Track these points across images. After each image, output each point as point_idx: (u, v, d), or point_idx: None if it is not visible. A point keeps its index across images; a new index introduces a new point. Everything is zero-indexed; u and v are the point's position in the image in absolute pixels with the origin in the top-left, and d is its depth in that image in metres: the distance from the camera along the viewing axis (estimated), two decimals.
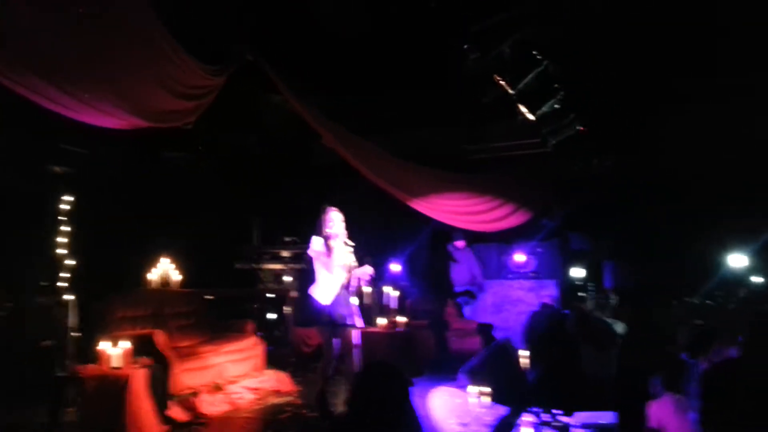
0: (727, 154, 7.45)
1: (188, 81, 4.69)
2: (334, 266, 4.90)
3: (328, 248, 4.90)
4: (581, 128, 6.86)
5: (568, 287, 9.12)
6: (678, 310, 6.85)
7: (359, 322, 5.06)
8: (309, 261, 5.06)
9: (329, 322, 4.85)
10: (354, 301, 5.20)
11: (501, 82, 5.39)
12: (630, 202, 8.73)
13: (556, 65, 5.63)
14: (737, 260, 7.69)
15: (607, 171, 8.23)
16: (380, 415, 2.17)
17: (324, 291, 4.89)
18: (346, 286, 5.00)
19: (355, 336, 5.05)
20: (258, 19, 5.61)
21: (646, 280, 8.71)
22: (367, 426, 2.16)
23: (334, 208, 5.08)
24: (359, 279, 5.13)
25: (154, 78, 4.25)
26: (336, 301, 4.89)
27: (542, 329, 7.80)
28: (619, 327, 5.90)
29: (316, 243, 4.93)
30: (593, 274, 9.29)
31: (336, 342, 4.92)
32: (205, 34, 5.19)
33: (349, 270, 5.00)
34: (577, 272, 8.93)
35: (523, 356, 7.00)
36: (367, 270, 5.07)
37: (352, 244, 5.03)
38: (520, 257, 9.18)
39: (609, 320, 5.82)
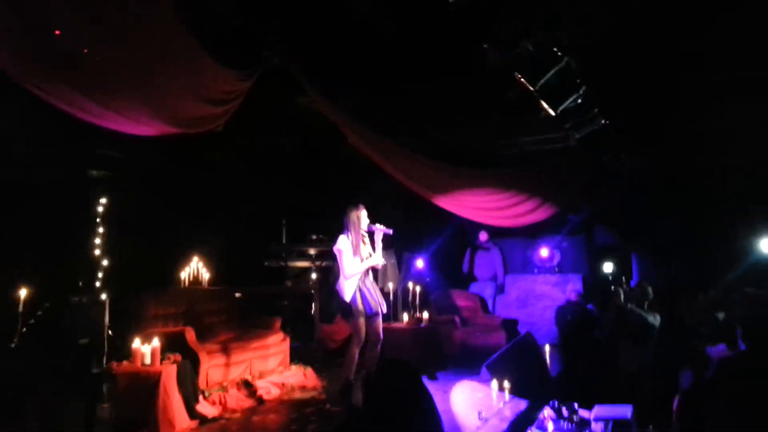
0: (756, 145, 7.33)
1: (216, 87, 4.81)
2: (360, 260, 5.16)
3: (354, 244, 5.17)
4: (605, 122, 6.85)
5: (597, 281, 9.10)
6: (703, 303, 6.81)
7: (383, 309, 5.31)
8: (334, 257, 5.34)
9: (360, 313, 5.12)
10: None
11: (522, 79, 5.41)
12: (658, 195, 8.65)
13: (577, 61, 5.63)
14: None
15: (634, 165, 8.18)
16: (394, 412, 2.26)
17: (349, 286, 5.14)
18: (374, 276, 5.34)
19: (380, 325, 5.30)
20: (285, 19, 5.71)
21: (672, 273, 8.65)
22: (381, 422, 2.25)
23: (362, 206, 5.34)
24: (375, 233, 5.30)
25: (183, 86, 4.38)
26: (366, 292, 5.16)
27: (568, 324, 7.83)
28: (653, 319, 5.93)
29: (342, 242, 5.18)
30: (622, 268, 9.25)
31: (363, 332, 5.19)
32: (231, 39, 5.32)
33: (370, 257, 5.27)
34: (607, 267, 8.90)
35: (546, 351, 7.06)
36: (380, 227, 5.30)
37: (388, 230, 5.33)
38: (544, 252, 9.17)
39: (643, 313, 5.84)
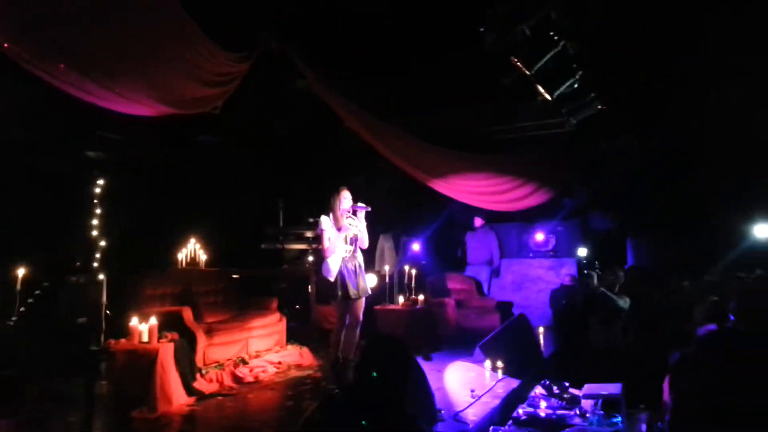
0: (753, 127, 7.35)
1: (213, 68, 4.82)
2: (341, 240, 5.13)
3: (338, 225, 5.14)
4: (602, 106, 6.89)
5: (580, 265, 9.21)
6: (696, 287, 6.90)
7: (366, 292, 5.28)
8: (319, 239, 5.29)
9: (341, 295, 5.08)
10: (370, 278, 5.44)
11: (518, 63, 5.44)
12: (653, 179, 8.69)
13: (574, 45, 5.65)
14: (763, 230, 7.71)
15: (631, 149, 8.22)
16: (383, 386, 2.30)
17: (331, 267, 5.10)
18: (352, 258, 5.21)
19: (361, 309, 5.25)
20: (281, 3, 5.69)
21: (666, 257, 8.73)
22: (371, 395, 2.29)
23: (343, 188, 5.29)
24: (357, 212, 5.25)
25: (180, 67, 4.39)
26: (346, 275, 5.10)
27: (560, 307, 7.94)
28: (623, 302, 6.11)
29: (324, 221, 5.17)
30: (616, 252, 9.31)
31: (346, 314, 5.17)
32: (229, 21, 5.31)
33: (354, 240, 5.24)
34: (582, 251, 9.02)
35: (539, 332, 7.16)
36: (360, 205, 5.26)
37: (367, 207, 5.25)
38: (540, 236, 9.24)
39: (614, 296, 6.03)
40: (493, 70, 5.97)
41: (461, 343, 6.91)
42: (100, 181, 7.17)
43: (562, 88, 5.93)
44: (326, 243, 5.11)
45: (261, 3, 5.53)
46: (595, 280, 6.49)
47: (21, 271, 5.54)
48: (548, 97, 6.04)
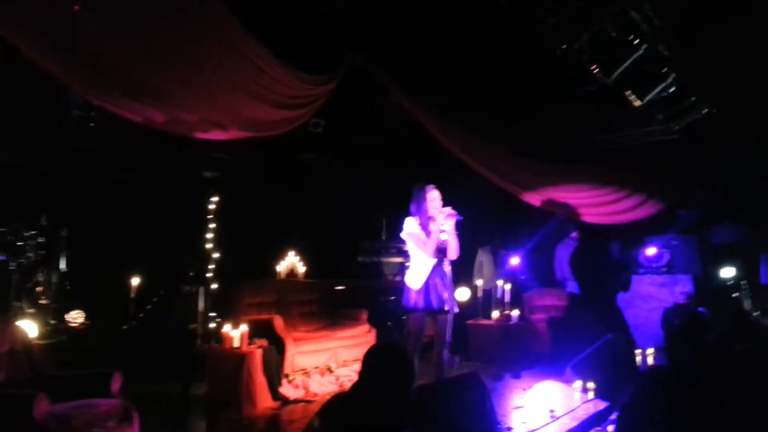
0: None
1: (288, 92, 4.92)
2: (432, 247, 4.47)
3: (426, 229, 4.52)
4: (709, 110, 6.37)
5: (710, 283, 8.44)
6: None
7: (453, 307, 4.57)
8: (403, 245, 4.95)
9: (422, 309, 4.45)
10: (462, 292, 4.63)
11: (594, 70, 5.20)
12: None
13: (665, 47, 5.30)
14: None
15: (748, 154, 7.50)
16: (377, 395, 2.28)
17: (416, 275, 4.49)
18: (439, 268, 4.53)
19: (449, 324, 4.56)
20: (364, 21, 5.77)
21: None
22: (366, 403, 2.29)
23: (432, 186, 4.64)
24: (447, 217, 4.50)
25: (252, 94, 4.52)
26: (430, 286, 4.46)
27: (674, 328, 7.37)
28: None
29: (409, 224, 4.53)
30: (746, 270, 8.48)
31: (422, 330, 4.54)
32: (309, 43, 5.55)
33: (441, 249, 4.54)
34: (728, 272, 8.16)
35: (645, 354, 6.69)
36: (446, 210, 4.52)
37: (458, 215, 4.52)
38: (651, 251, 8.64)
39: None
40: (580, 77, 5.72)
41: (558, 361, 6.64)
42: (214, 198, 7.81)
43: (653, 94, 5.54)
44: (412, 246, 4.50)
45: (341, 23, 5.65)
46: (746, 304, 5.87)
47: (136, 280, 6.19)
48: (636, 104, 5.66)
